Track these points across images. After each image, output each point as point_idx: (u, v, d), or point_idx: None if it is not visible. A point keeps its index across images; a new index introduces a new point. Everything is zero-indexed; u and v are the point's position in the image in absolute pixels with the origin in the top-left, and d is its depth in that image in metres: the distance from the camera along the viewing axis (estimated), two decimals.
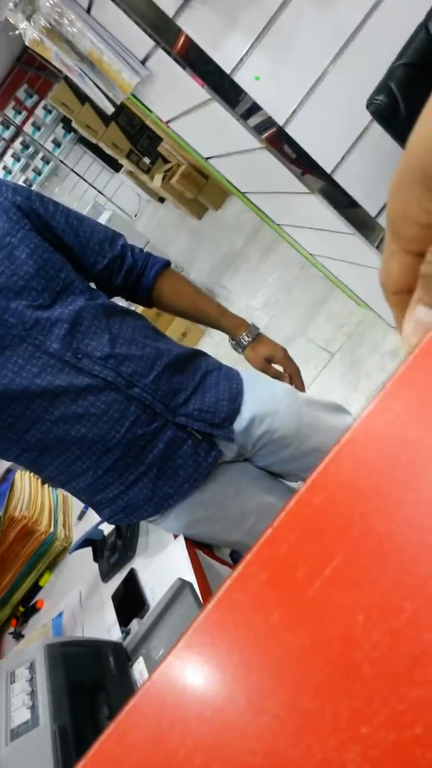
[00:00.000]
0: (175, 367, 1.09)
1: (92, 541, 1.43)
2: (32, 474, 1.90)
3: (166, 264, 1.21)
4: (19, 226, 1.00)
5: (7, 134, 7.21)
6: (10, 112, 7.03)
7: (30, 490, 1.75)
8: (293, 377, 1.21)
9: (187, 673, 0.22)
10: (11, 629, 1.62)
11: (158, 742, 0.21)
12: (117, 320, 1.06)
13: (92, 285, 1.12)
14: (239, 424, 1.10)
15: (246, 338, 1.20)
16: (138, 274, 1.19)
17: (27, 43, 1.79)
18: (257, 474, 1.18)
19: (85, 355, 0.99)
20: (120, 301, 1.20)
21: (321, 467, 0.23)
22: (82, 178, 7.08)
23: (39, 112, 7.01)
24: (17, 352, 0.96)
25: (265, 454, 1.15)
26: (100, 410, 0.99)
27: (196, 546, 1.16)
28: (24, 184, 1.13)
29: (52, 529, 1.66)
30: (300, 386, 1.20)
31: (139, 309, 2.95)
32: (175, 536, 1.17)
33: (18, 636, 1.56)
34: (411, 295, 0.29)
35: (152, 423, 1.03)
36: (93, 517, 1.68)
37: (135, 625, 1.08)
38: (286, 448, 1.12)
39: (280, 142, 1.44)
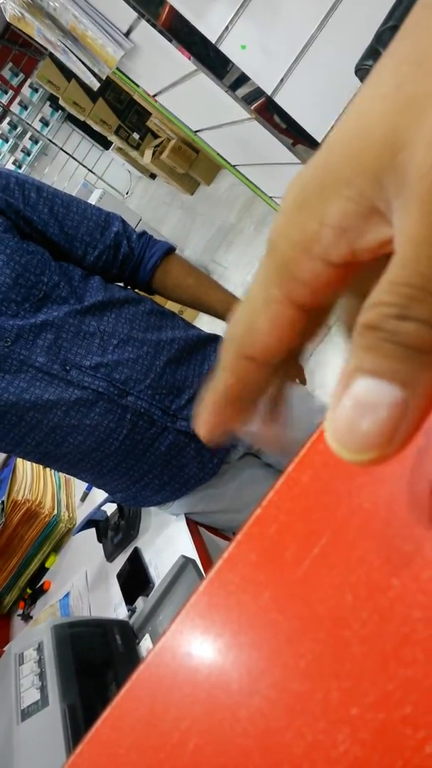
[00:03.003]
0: (180, 360, 1.03)
1: (96, 522, 1.43)
2: None
3: (167, 252, 1.10)
4: None
5: None
6: None
7: (32, 474, 1.76)
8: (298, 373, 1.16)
9: (180, 656, 0.22)
10: (20, 611, 1.64)
11: (153, 725, 0.21)
12: (111, 317, 0.98)
13: (83, 279, 1.01)
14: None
15: None
16: (135, 265, 1.08)
17: (8, 19, 1.76)
18: (261, 465, 1.17)
19: (74, 366, 0.93)
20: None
21: (308, 445, 0.22)
22: (71, 156, 6.98)
23: (25, 90, 6.89)
24: (3, 368, 0.90)
25: (272, 455, 1.14)
26: (95, 421, 0.95)
27: (197, 524, 1.17)
28: (7, 168, 1.02)
29: (55, 512, 1.67)
30: (303, 380, 1.15)
31: None
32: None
33: (26, 618, 1.58)
34: (262, 367, 0.20)
35: (150, 429, 0.99)
36: (96, 498, 1.69)
37: (140, 603, 1.09)
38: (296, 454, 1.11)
39: (269, 112, 1.42)
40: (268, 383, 0.21)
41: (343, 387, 0.16)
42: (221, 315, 1.12)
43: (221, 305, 1.11)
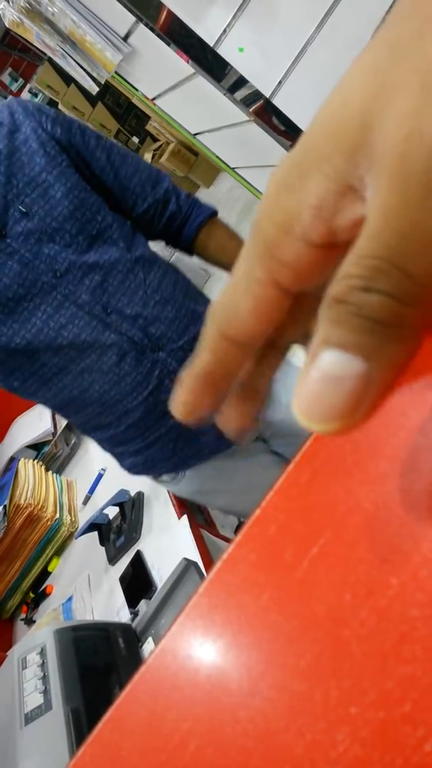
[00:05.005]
0: None
1: (98, 525, 1.43)
2: (35, 462, 1.90)
3: (212, 215, 1.13)
4: (55, 162, 0.93)
5: None
6: None
7: (34, 478, 1.76)
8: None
9: (181, 658, 0.22)
10: (22, 615, 1.64)
11: (154, 727, 0.21)
12: (156, 275, 1.01)
13: (131, 230, 1.03)
14: (268, 410, 1.07)
15: None
16: (181, 223, 1.10)
17: (7, 25, 1.76)
18: (269, 451, 1.17)
19: (115, 310, 0.95)
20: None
21: (307, 444, 0.22)
22: None
23: (25, 95, 6.90)
24: (47, 300, 0.91)
25: (281, 444, 1.15)
26: (124, 371, 0.96)
27: (199, 525, 1.17)
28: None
29: (57, 515, 1.67)
30: None
31: None
32: (179, 517, 1.18)
33: (29, 622, 1.58)
34: (242, 349, 0.20)
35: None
36: (97, 501, 1.69)
37: (143, 606, 1.09)
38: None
39: (267, 114, 1.42)
40: (243, 367, 0.21)
41: (311, 359, 0.16)
42: None
43: None
